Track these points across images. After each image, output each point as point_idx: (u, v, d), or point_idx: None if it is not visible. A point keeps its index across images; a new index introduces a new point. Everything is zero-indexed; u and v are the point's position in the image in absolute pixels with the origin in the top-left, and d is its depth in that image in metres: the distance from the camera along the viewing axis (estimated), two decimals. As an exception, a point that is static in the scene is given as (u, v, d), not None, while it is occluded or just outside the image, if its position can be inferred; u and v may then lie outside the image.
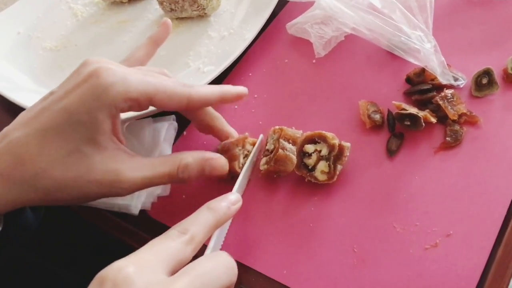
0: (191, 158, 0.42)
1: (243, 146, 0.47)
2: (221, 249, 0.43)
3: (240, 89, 0.46)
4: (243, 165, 0.47)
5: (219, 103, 0.44)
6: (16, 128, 0.39)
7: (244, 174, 0.46)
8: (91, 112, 0.37)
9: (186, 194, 0.48)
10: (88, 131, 0.38)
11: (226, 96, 0.44)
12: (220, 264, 0.33)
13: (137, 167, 0.40)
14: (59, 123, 0.38)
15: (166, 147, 0.50)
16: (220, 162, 0.43)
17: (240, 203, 0.39)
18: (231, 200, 0.39)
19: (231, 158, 0.46)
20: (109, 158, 0.39)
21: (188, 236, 0.34)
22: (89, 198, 0.40)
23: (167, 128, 0.50)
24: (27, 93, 0.58)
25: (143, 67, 0.45)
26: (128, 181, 0.39)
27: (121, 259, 0.31)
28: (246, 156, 0.48)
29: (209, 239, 0.38)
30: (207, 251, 0.38)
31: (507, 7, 0.56)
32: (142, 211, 0.47)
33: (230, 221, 0.44)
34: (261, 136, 0.50)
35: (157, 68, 0.45)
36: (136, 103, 0.39)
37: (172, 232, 0.34)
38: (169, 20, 0.50)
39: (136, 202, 0.46)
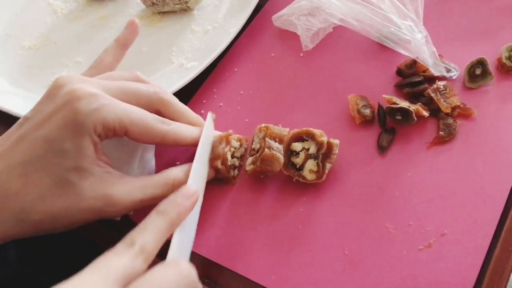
0: (183, 173, 0.41)
1: (228, 143, 0.45)
2: (194, 247, 0.42)
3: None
4: (232, 164, 0.45)
5: (193, 146, 0.44)
6: None
7: (198, 160, 0.42)
8: (74, 139, 0.36)
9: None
10: (72, 159, 0.37)
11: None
12: (172, 276, 0.31)
13: (127, 190, 0.39)
14: (41, 153, 0.36)
15: (149, 146, 0.48)
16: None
17: (196, 195, 0.37)
18: (185, 194, 0.36)
19: (214, 157, 0.44)
20: (97, 183, 0.38)
21: (137, 248, 0.32)
22: (81, 224, 0.39)
23: None
24: (3, 95, 0.56)
25: (115, 73, 0.44)
26: (119, 205, 0.38)
27: (61, 284, 0.29)
28: (233, 154, 0.46)
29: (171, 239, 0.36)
30: (169, 252, 0.35)
31: (500, -7, 0.54)
32: (124, 216, 0.45)
33: (197, 214, 0.42)
34: (209, 114, 0.47)
35: (129, 72, 0.43)
36: (112, 132, 0.38)
37: (119, 246, 0.32)
38: (136, 20, 0.48)
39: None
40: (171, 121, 0.42)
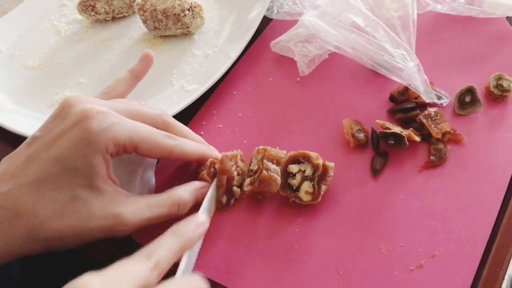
0: (188, 193, 0.43)
1: (236, 163, 0.47)
2: (193, 271, 0.43)
3: (217, 154, 0.47)
4: (231, 190, 0.47)
5: (197, 161, 0.46)
6: (3, 179, 0.38)
7: (210, 196, 0.45)
8: (86, 158, 0.37)
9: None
10: (84, 177, 0.37)
11: (205, 158, 0.46)
12: (184, 285, 0.33)
13: (135, 209, 0.40)
14: (52, 172, 0.37)
15: (150, 162, 0.49)
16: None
17: (207, 225, 0.40)
18: (197, 223, 0.38)
19: (222, 171, 0.46)
20: (107, 202, 0.39)
21: (153, 261, 0.33)
22: (90, 242, 0.40)
23: None
24: (7, 114, 0.57)
25: (120, 100, 0.45)
26: (128, 224, 0.39)
27: (88, 275, 0.30)
28: (239, 174, 0.47)
29: (179, 262, 0.37)
30: (178, 273, 0.37)
31: (489, 24, 0.57)
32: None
33: (201, 241, 0.44)
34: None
35: (137, 102, 0.45)
36: (122, 149, 0.39)
37: (137, 256, 0.34)
38: (151, 53, 0.49)
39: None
40: (177, 137, 0.43)
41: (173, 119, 0.45)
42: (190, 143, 0.45)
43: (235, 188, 0.47)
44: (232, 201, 0.47)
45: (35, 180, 0.37)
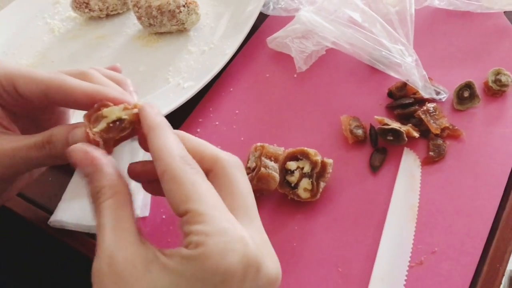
0: (58, 129, 0.37)
1: None
2: None
3: (125, 98, 0.36)
4: None
5: (91, 103, 0.36)
6: None
7: None
8: None
9: (166, 215, 0.47)
10: None
11: (99, 98, 0.35)
12: None
13: (8, 141, 0.37)
14: None
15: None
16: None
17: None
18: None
19: None
20: None
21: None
22: None
23: None
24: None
25: None
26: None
27: None
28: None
29: None
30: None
31: (487, 20, 0.57)
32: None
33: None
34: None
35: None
36: (2, 89, 0.37)
37: None
38: None
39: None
40: (62, 73, 0.38)
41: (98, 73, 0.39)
42: (77, 80, 0.37)
43: None
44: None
45: None
